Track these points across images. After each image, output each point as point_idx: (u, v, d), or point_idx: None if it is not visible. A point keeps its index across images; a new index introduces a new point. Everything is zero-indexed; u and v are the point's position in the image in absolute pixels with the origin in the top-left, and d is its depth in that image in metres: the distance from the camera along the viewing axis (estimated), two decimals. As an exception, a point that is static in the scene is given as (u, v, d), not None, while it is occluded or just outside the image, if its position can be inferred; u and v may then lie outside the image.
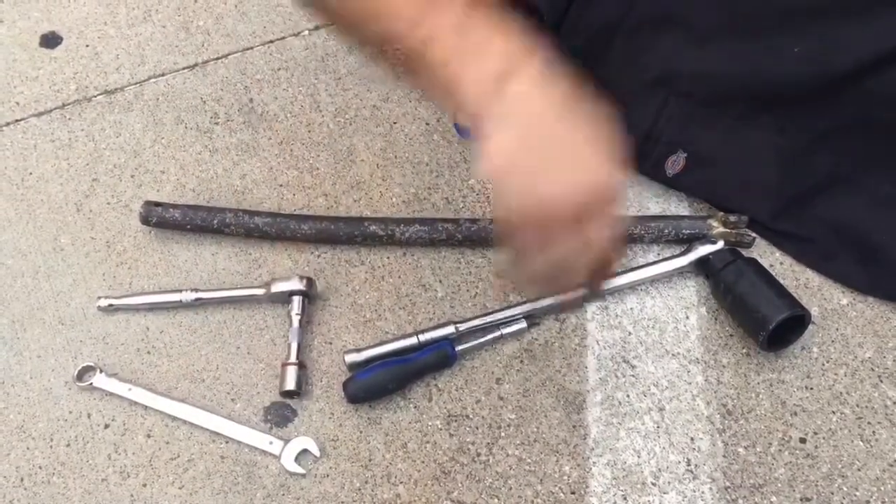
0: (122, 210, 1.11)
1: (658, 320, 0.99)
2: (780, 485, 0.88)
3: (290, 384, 0.94)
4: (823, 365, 0.95)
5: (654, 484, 0.89)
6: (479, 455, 0.91)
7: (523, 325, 0.97)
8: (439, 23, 0.64)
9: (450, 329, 0.96)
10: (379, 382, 0.93)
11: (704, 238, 1.01)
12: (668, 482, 0.89)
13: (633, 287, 1.01)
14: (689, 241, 1.02)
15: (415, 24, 0.64)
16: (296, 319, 0.98)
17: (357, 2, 0.66)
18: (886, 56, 0.91)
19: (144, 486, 0.91)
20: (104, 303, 1.01)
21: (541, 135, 0.64)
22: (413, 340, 0.95)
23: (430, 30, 0.64)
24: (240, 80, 1.23)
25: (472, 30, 0.64)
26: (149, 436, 0.94)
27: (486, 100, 0.63)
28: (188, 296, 1.01)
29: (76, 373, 0.97)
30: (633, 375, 0.95)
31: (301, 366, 0.96)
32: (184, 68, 1.25)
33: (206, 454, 0.93)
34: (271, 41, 1.27)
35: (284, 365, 0.96)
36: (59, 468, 0.93)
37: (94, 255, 1.07)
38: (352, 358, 0.95)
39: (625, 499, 0.88)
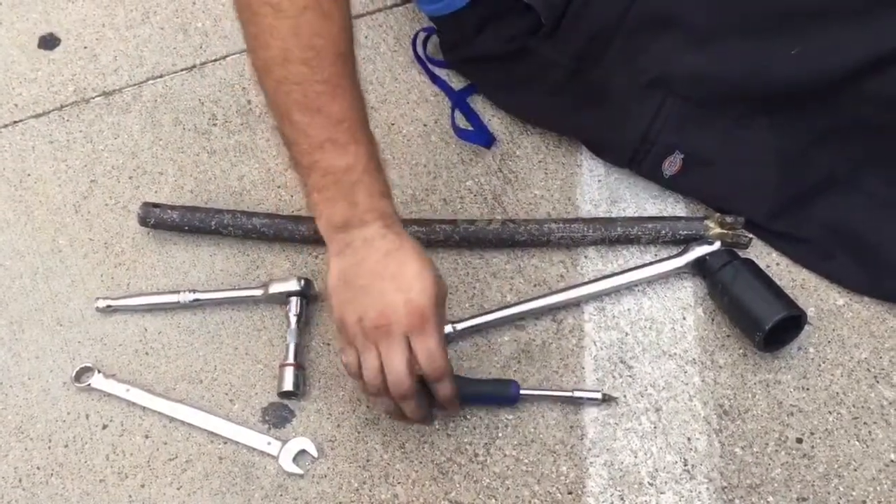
0: (121, 211, 1.11)
1: (655, 321, 0.99)
2: (776, 485, 0.89)
3: (288, 385, 0.94)
4: (820, 365, 0.96)
5: (650, 484, 0.89)
6: (476, 455, 0.92)
7: (597, 396, 0.93)
8: (326, 161, 0.79)
9: (447, 329, 0.96)
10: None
11: (701, 239, 1.01)
12: (665, 482, 0.89)
13: (629, 288, 1.01)
14: (685, 242, 1.02)
15: (313, 148, 0.79)
16: (294, 320, 0.98)
17: (281, 102, 0.79)
18: (883, 58, 0.92)
19: (143, 486, 0.91)
20: (102, 304, 1.02)
21: (355, 277, 0.81)
22: None
23: (318, 161, 0.79)
24: (238, 82, 1.23)
25: (342, 182, 0.80)
26: (147, 436, 0.94)
27: (328, 236, 0.83)
28: (186, 297, 1.01)
29: (74, 374, 0.98)
30: (630, 376, 0.96)
31: (299, 367, 0.96)
32: (182, 70, 1.25)
33: (205, 455, 0.93)
34: (269, 43, 1.27)
35: (282, 366, 0.96)
36: (57, 469, 0.93)
37: (92, 257, 1.07)
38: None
39: (622, 499, 0.88)
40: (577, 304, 1.00)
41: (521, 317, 0.99)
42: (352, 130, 0.80)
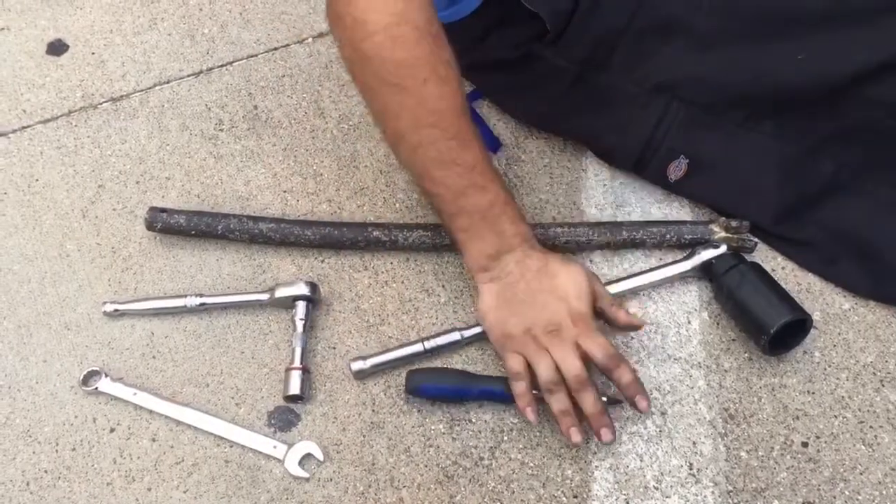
0: (128, 216, 1.11)
1: (660, 325, 0.99)
2: (782, 489, 0.89)
3: (294, 389, 0.95)
4: (825, 369, 0.95)
5: (656, 488, 0.89)
6: (481, 459, 0.92)
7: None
8: (470, 204, 0.89)
9: (455, 336, 0.96)
10: (442, 380, 0.94)
11: (707, 243, 1.01)
12: (671, 486, 0.89)
13: (635, 292, 1.01)
14: (691, 246, 1.02)
15: (455, 196, 0.89)
16: (300, 324, 0.98)
17: (419, 164, 0.90)
18: (887, 63, 0.92)
19: (149, 489, 0.91)
20: (110, 308, 1.02)
21: (513, 295, 0.90)
22: (419, 347, 0.96)
23: (464, 205, 0.89)
24: (244, 87, 1.24)
25: (488, 218, 0.89)
26: (154, 440, 0.95)
27: (478, 267, 0.92)
28: (193, 301, 1.01)
29: (82, 377, 0.98)
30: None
31: (305, 370, 0.96)
32: (189, 75, 1.26)
33: (211, 458, 0.93)
34: (275, 48, 1.28)
35: (288, 369, 0.96)
36: (64, 472, 0.93)
37: (99, 261, 1.08)
38: (358, 366, 0.95)
39: (627, 503, 0.88)
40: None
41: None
42: (485, 172, 0.89)
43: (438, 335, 0.97)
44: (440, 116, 0.86)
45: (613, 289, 0.99)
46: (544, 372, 0.86)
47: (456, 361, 0.97)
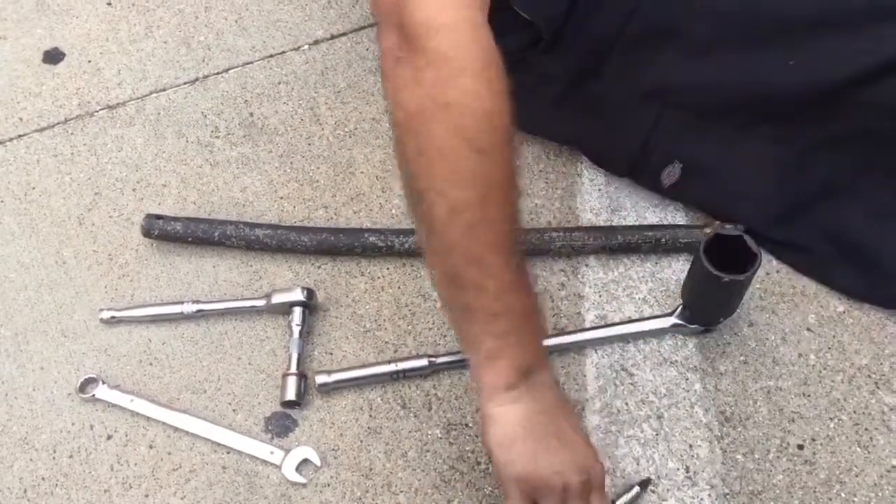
0: (124, 223, 1.12)
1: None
2: (778, 491, 0.89)
3: (291, 394, 0.95)
4: (821, 372, 0.96)
5: (653, 491, 0.89)
6: (478, 463, 0.92)
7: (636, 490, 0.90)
8: (517, 304, 0.72)
9: (423, 362, 0.96)
10: None
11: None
12: (668, 489, 0.89)
13: (630, 296, 1.02)
14: (685, 250, 1.02)
15: (504, 292, 0.71)
16: (296, 330, 0.99)
17: (473, 246, 0.70)
18: (878, 68, 0.92)
19: (147, 496, 0.91)
20: (106, 315, 1.02)
21: (544, 422, 0.75)
22: (390, 367, 0.96)
23: (512, 305, 0.72)
24: (240, 95, 1.24)
25: (528, 324, 0.74)
26: (151, 447, 0.95)
27: (507, 383, 0.74)
28: (190, 307, 1.02)
29: (79, 384, 0.98)
30: (631, 384, 0.96)
31: (301, 376, 0.96)
32: (185, 83, 1.26)
33: (208, 464, 0.93)
34: (271, 56, 1.28)
35: (285, 375, 0.96)
36: (62, 479, 0.93)
37: (96, 268, 1.08)
38: (322, 379, 0.96)
39: (624, 506, 0.88)
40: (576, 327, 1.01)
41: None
42: (528, 270, 0.74)
43: (407, 358, 0.97)
44: (509, 192, 0.70)
45: (600, 334, 0.98)
46: None
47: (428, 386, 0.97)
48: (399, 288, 1.04)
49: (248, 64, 1.27)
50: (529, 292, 0.74)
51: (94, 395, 0.97)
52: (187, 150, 1.19)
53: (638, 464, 0.91)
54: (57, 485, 0.93)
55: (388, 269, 1.06)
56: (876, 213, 1.01)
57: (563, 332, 0.99)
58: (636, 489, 0.88)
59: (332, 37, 1.30)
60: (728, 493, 0.89)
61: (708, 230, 1.02)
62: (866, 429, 0.92)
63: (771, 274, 1.02)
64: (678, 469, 0.90)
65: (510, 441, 0.74)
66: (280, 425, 0.95)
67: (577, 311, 1.01)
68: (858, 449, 0.91)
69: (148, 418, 0.96)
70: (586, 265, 1.05)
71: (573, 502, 0.75)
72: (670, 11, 1.00)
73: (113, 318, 1.02)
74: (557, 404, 0.77)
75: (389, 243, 1.04)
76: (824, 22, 0.95)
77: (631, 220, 1.08)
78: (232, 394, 0.98)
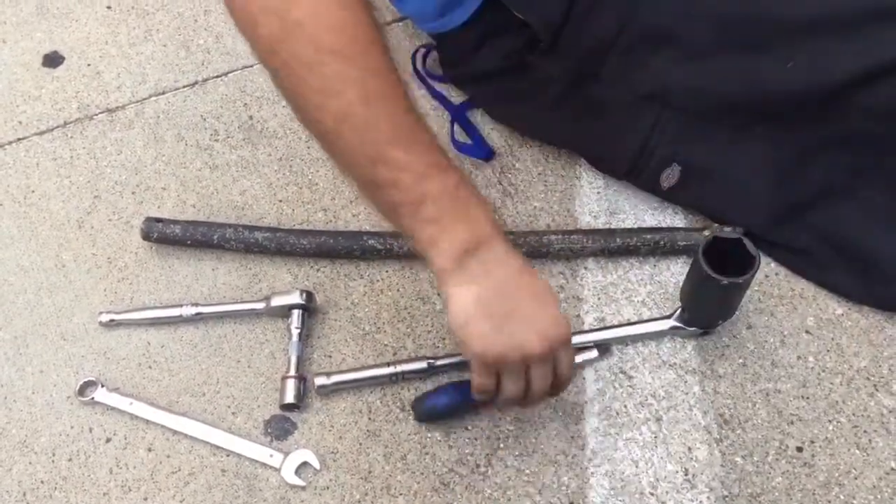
0: (124, 226, 1.12)
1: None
2: (777, 493, 0.89)
3: (290, 397, 0.95)
4: (819, 374, 0.96)
5: (652, 494, 0.89)
6: (477, 466, 0.92)
7: (594, 353, 0.97)
8: (436, 187, 0.73)
9: (422, 364, 0.96)
10: (447, 404, 0.92)
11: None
12: (666, 492, 0.89)
13: (629, 298, 1.02)
14: (684, 253, 1.02)
15: (418, 180, 0.73)
16: (295, 333, 0.99)
17: (370, 146, 0.72)
18: (876, 70, 0.93)
19: (146, 499, 0.91)
20: (105, 318, 1.02)
21: (499, 298, 0.76)
22: (389, 370, 0.96)
23: (429, 189, 0.73)
24: (239, 98, 1.24)
25: (458, 201, 0.75)
26: (150, 450, 0.95)
27: (452, 266, 0.75)
28: (189, 310, 1.02)
29: (78, 387, 0.98)
30: (630, 386, 0.96)
31: (301, 379, 0.96)
32: (184, 86, 1.26)
33: (207, 467, 0.93)
34: (270, 59, 1.28)
35: (284, 378, 0.96)
36: (61, 483, 0.93)
37: (95, 271, 1.08)
38: (321, 381, 0.96)
39: (623, 509, 0.89)
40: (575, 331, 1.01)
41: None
42: (441, 150, 0.76)
43: (407, 361, 0.97)
44: (392, 86, 0.72)
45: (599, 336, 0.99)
46: (514, 390, 0.81)
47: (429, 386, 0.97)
48: (398, 291, 1.04)
49: (247, 67, 1.28)
50: (448, 171, 0.75)
51: (93, 398, 0.97)
52: (187, 153, 1.19)
53: (636, 466, 0.91)
54: (56, 488, 0.93)
55: (387, 271, 1.06)
56: (874, 215, 1.01)
57: None
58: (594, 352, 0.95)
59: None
60: (727, 496, 0.89)
61: (707, 233, 1.02)
62: (865, 431, 0.92)
63: (769, 276, 1.02)
64: (677, 472, 0.90)
65: (465, 321, 0.76)
66: (279, 428, 0.95)
67: (576, 314, 1.01)
68: (857, 451, 0.91)
69: (147, 421, 0.96)
70: (585, 268, 1.05)
71: (535, 369, 0.79)
72: (669, 13, 1.00)
73: (112, 321, 1.02)
74: (513, 275, 0.77)
75: (388, 246, 1.04)
76: (823, 24, 0.95)
77: (630, 223, 1.08)
78: (231, 397, 0.98)
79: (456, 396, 0.92)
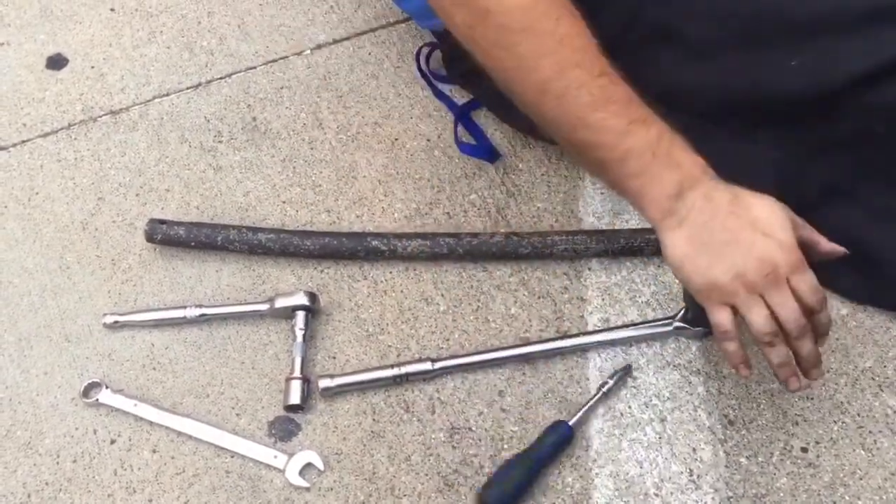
0: (128, 228, 1.12)
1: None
2: (782, 494, 0.89)
3: (294, 398, 0.95)
4: (824, 374, 0.96)
5: (656, 495, 0.89)
6: (482, 467, 0.92)
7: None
8: (638, 142, 0.78)
9: (426, 365, 0.96)
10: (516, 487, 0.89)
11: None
12: (671, 493, 0.89)
13: (633, 299, 1.02)
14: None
15: (619, 138, 0.78)
16: (299, 334, 0.99)
17: (570, 112, 0.79)
18: (881, 70, 0.92)
19: (150, 501, 0.91)
20: (110, 320, 1.02)
21: (711, 232, 0.78)
22: (393, 371, 0.96)
23: (631, 145, 0.78)
24: (243, 99, 1.24)
25: (661, 150, 0.79)
26: (154, 451, 0.95)
27: (663, 212, 0.79)
28: (193, 312, 1.02)
29: (82, 389, 0.98)
30: (634, 387, 0.96)
31: (305, 380, 0.96)
32: (188, 88, 1.26)
33: (212, 469, 0.93)
34: (274, 60, 1.29)
35: (288, 379, 0.96)
36: (65, 484, 0.93)
37: (99, 273, 1.08)
38: (325, 383, 0.96)
39: (628, 510, 0.88)
40: (577, 333, 1.01)
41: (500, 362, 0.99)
42: (641, 104, 0.80)
43: (410, 362, 0.97)
44: (584, 54, 0.78)
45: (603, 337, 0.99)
46: (762, 323, 0.79)
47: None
48: (402, 292, 1.04)
49: (250, 69, 1.28)
50: (648, 124, 0.79)
51: (97, 400, 0.97)
52: (190, 154, 1.19)
53: (641, 467, 0.91)
54: (60, 489, 0.93)
55: (390, 272, 1.06)
56: (877, 215, 1.01)
57: (565, 336, 0.99)
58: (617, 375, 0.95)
59: (335, 41, 1.30)
60: (731, 497, 0.89)
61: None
62: (870, 431, 0.92)
63: (774, 277, 1.02)
64: (682, 472, 0.90)
65: (680, 261, 0.79)
66: (283, 429, 0.95)
67: (580, 315, 1.01)
68: (862, 452, 0.91)
69: (151, 423, 0.96)
70: (589, 269, 1.05)
71: (770, 297, 0.78)
72: (671, 13, 1.00)
73: (116, 322, 1.02)
74: (724, 206, 0.78)
75: (392, 247, 1.04)
76: (825, 24, 0.94)
77: (633, 224, 1.08)
78: (235, 398, 0.98)
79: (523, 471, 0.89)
